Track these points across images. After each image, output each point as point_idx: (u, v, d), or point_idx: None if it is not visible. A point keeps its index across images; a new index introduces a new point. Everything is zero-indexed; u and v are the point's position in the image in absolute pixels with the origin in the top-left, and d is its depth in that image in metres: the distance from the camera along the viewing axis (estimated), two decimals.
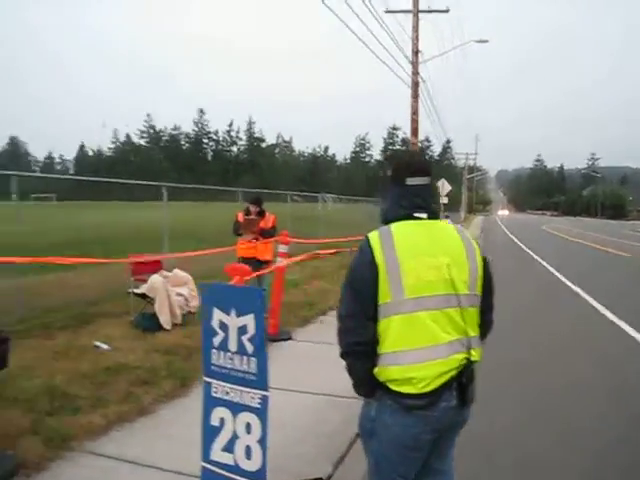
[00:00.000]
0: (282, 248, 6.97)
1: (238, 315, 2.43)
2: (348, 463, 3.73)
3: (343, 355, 2.19)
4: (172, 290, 7.15)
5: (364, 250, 2.12)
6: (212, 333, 2.52)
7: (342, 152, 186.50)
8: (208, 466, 2.59)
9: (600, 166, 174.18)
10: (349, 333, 2.13)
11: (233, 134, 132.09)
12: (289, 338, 6.92)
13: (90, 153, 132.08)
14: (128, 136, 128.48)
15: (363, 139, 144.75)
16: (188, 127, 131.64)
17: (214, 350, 2.54)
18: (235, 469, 2.50)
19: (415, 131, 28.95)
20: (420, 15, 28.26)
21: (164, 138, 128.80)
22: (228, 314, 2.46)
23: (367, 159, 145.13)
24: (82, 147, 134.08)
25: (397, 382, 2.06)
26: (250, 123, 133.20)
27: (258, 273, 6.54)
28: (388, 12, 28.92)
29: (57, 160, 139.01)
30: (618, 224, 71.10)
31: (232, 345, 2.47)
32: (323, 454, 3.79)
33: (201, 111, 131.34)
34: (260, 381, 2.43)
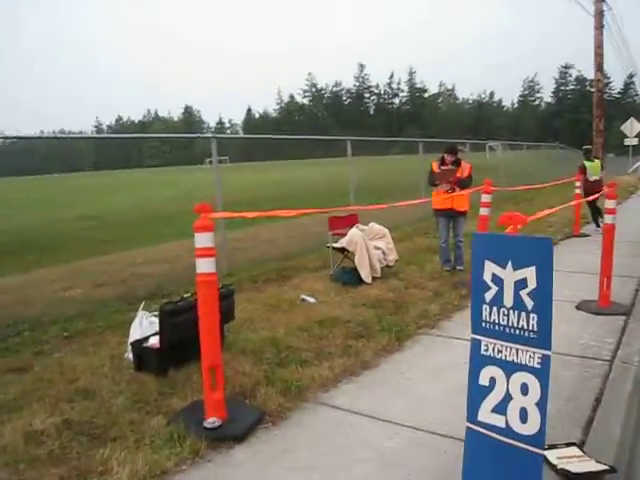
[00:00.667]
0: (485, 197, 6.55)
1: (515, 268, 2.18)
2: (597, 428, 3.38)
3: None
4: (370, 244, 7.10)
5: None
6: (483, 287, 2.30)
7: (509, 96, 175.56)
8: (475, 427, 2.40)
9: None
10: None
11: (394, 86, 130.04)
12: None
13: (257, 116, 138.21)
14: (292, 96, 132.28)
15: (532, 81, 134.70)
16: (349, 83, 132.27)
17: (485, 305, 2.32)
18: (507, 432, 2.29)
19: (600, 66, 26.26)
20: None
21: (326, 95, 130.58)
22: (503, 267, 2.22)
23: (537, 102, 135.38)
24: (249, 110, 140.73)
25: None
26: (411, 73, 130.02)
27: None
28: None
29: (227, 125, 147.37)
30: None
31: (507, 300, 2.23)
32: (568, 418, 3.48)
33: (361, 65, 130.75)
34: (541, 339, 2.17)
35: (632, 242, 9.98)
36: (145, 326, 4.46)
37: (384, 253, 7.28)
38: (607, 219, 5.87)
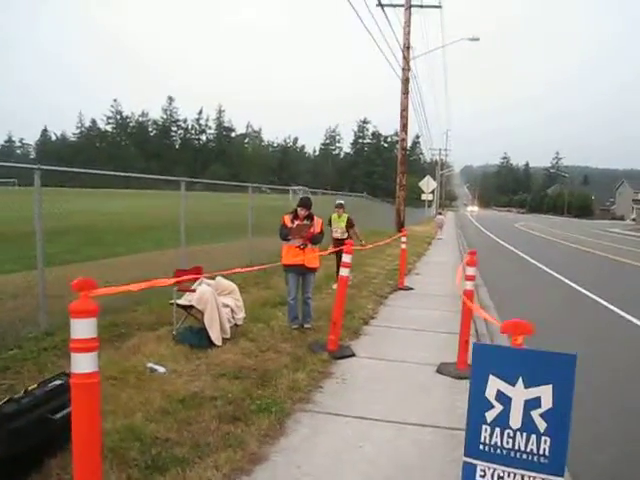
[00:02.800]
0: (347, 258, 6.37)
1: (527, 386, 1.87)
2: None
3: None
4: (220, 301, 6.49)
5: None
6: (484, 406, 1.96)
7: (312, 143, 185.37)
8: None
9: (563, 165, 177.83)
10: None
11: (202, 122, 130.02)
12: (352, 354, 6.34)
13: (53, 138, 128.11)
14: (94, 121, 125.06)
15: (333, 131, 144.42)
16: (156, 114, 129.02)
17: (485, 426, 1.98)
18: None
19: (405, 127, 28.63)
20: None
21: (131, 124, 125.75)
22: (512, 384, 1.89)
23: (337, 151, 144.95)
24: (45, 131, 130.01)
25: None
26: (220, 112, 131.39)
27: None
28: (380, 6, 28.35)
29: (17, 144, 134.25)
30: (590, 224, 72.85)
31: (515, 421, 1.92)
32: None
33: (170, 98, 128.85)
34: (554, 465, 1.88)
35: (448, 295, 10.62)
36: None
37: (232, 311, 6.72)
38: (467, 285, 5.99)
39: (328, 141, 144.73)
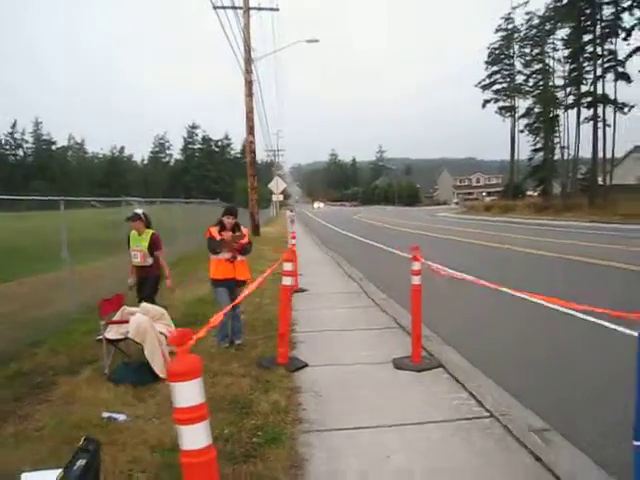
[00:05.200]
0: (287, 266, 6.10)
1: None
2: None
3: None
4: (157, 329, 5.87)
5: None
6: None
7: (140, 152, 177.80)
8: None
9: (387, 157, 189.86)
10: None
11: (18, 136, 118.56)
12: (305, 365, 6.09)
13: None
14: None
15: (162, 138, 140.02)
16: None
17: None
18: None
19: (252, 130, 28.35)
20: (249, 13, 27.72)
21: None
22: None
23: (167, 159, 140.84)
24: None
25: None
26: (37, 124, 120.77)
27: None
28: (217, 8, 27.84)
29: None
30: (420, 210, 78.72)
31: None
32: None
33: None
34: None
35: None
36: None
37: (166, 338, 6.10)
38: (414, 280, 6.02)
39: (157, 149, 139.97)
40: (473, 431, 4.24)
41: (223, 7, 27.38)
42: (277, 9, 28.76)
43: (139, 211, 7.85)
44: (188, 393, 1.99)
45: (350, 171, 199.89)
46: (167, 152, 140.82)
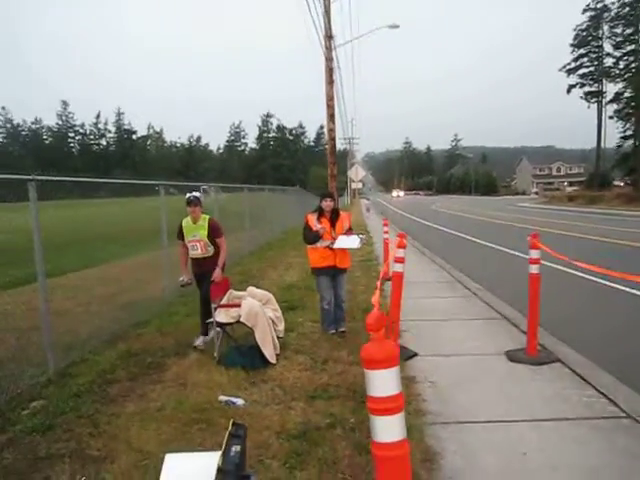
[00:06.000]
0: (399, 252, 5.89)
1: None
2: None
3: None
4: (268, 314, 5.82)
5: None
6: None
7: (216, 141, 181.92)
8: None
9: (462, 146, 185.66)
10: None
11: (101, 126, 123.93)
12: (415, 354, 5.89)
13: None
14: None
15: (237, 127, 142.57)
16: (51, 120, 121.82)
17: None
18: None
19: (332, 117, 28.10)
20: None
21: (23, 133, 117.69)
22: None
23: (242, 147, 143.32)
24: None
25: None
26: (119, 114, 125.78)
27: None
28: None
29: None
30: (500, 200, 76.18)
31: None
32: None
33: (64, 103, 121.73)
34: None
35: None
36: None
37: (274, 323, 6.05)
38: (532, 269, 5.68)
39: (233, 137, 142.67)
40: (613, 431, 3.92)
41: None
42: None
43: (198, 194, 6.63)
44: (385, 382, 1.83)
45: (424, 159, 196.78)
46: (242, 141, 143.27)
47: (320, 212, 6.63)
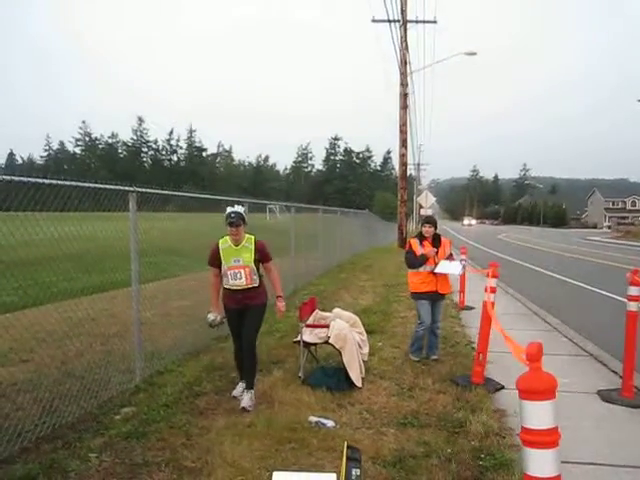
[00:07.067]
0: (492, 282, 5.74)
1: None
2: None
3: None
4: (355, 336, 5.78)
5: None
6: None
7: (283, 162, 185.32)
8: None
9: (531, 176, 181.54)
10: None
11: (173, 142, 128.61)
12: (502, 387, 5.69)
13: (19, 161, 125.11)
14: (62, 144, 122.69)
15: (305, 149, 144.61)
16: (126, 135, 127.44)
17: None
18: None
19: (405, 142, 28.05)
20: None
21: (100, 146, 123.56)
22: None
23: (308, 168, 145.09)
24: (11, 154, 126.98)
25: None
26: (191, 131, 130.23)
27: None
28: (376, 21, 28.12)
29: None
30: (570, 233, 73.47)
31: None
32: None
33: (140, 119, 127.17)
34: None
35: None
36: None
37: (360, 346, 6.00)
38: (631, 307, 5.41)
39: (300, 158, 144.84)
40: None
41: (382, 20, 27.63)
42: (435, 21, 28.40)
43: (241, 209, 5.28)
44: (541, 414, 1.77)
45: (491, 188, 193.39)
46: (309, 162, 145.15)
47: (421, 237, 6.60)
